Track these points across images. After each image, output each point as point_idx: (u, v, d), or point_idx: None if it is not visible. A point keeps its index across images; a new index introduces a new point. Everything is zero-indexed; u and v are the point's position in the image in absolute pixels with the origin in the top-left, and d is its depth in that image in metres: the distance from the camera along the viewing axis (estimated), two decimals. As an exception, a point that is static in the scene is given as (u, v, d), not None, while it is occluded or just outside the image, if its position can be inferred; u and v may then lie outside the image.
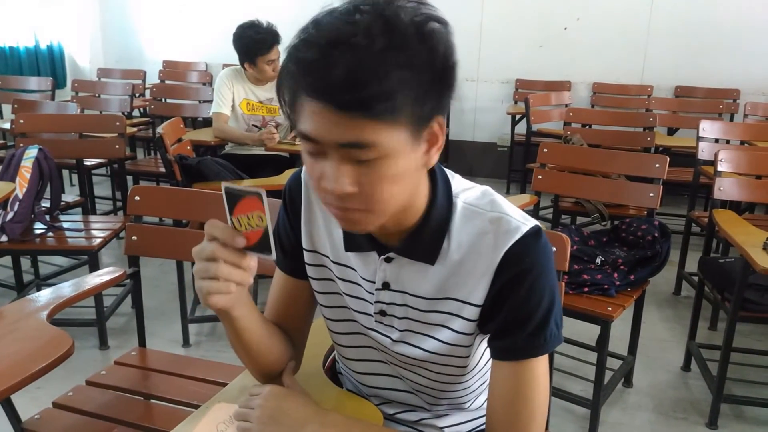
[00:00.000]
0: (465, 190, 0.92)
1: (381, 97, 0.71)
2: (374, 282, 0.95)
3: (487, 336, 0.94)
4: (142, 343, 1.76)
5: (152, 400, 1.55)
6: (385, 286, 0.94)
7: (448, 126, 5.22)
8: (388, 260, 0.93)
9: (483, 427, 1.06)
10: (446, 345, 0.94)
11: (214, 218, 0.85)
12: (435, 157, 0.84)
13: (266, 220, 0.77)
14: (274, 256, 0.81)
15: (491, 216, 0.88)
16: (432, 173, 0.90)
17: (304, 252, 1.00)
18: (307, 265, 1.01)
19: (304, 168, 0.95)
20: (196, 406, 1.06)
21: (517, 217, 0.88)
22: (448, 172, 0.94)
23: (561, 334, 0.90)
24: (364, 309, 0.98)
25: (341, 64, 0.70)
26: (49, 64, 5.99)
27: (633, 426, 2.22)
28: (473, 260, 0.88)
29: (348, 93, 0.70)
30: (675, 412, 2.30)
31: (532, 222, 0.88)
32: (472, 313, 0.90)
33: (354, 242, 0.94)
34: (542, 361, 0.89)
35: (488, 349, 0.94)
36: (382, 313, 0.97)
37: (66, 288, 1.51)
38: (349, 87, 0.70)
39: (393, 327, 0.97)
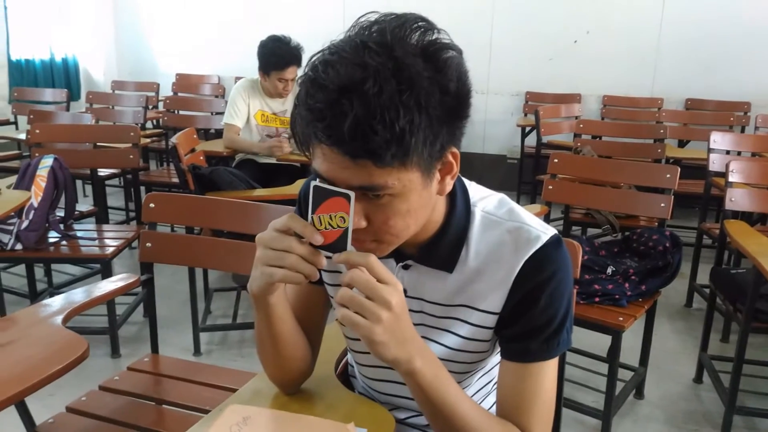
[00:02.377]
0: (482, 199, 0.94)
1: (390, 145, 0.71)
2: None
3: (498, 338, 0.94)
4: (154, 349, 1.78)
5: (164, 406, 1.56)
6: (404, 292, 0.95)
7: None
8: (406, 267, 0.94)
9: None
10: (457, 352, 0.95)
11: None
12: (450, 184, 0.84)
13: (349, 221, 0.77)
14: None
15: (510, 226, 0.90)
16: (454, 192, 0.91)
17: None
18: (322, 271, 1.01)
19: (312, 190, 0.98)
20: (208, 412, 1.07)
21: (536, 226, 0.89)
22: (465, 180, 0.95)
23: (570, 338, 0.92)
24: None
25: (350, 113, 0.70)
26: (63, 76, 6.09)
27: (645, 438, 2.21)
28: (491, 269, 0.89)
29: (357, 143, 0.71)
30: (687, 424, 2.28)
31: (552, 231, 0.89)
32: (488, 320, 0.92)
33: None
34: (552, 363, 0.91)
35: (497, 352, 0.95)
36: None
37: (80, 293, 1.53)
38: (358, 137, 0.70)
39: None
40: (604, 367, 2.18)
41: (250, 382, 1.12)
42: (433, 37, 0.76)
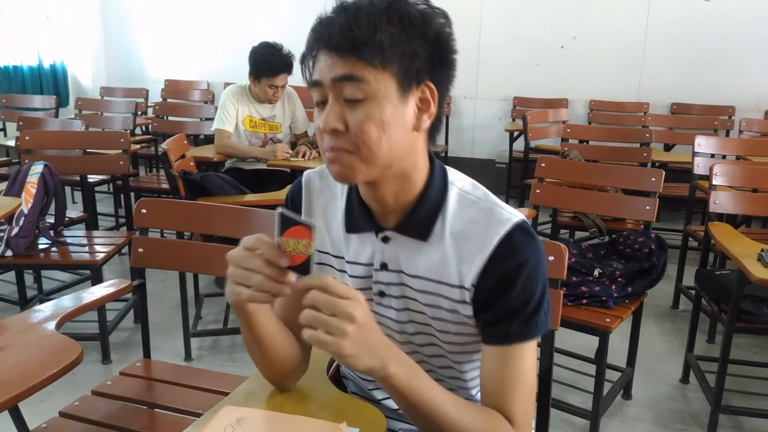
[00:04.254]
0: (459, 180, 1.01)
1: (370, 43, 0.84)
2: (372, 264, 1.00)
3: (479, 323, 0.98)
4: (146, 354, 1.79)
5: (157, 410, 1.57)
6: (383, 266, 1.00)
7: (447, 143, 5.31)
8: (386, 240, 0.99)
9: None
10: (440, 322, 0.99)
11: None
12: (426, 123, 0.92)
13: (312, 248, 0.83)
14: None
15: (484, 205, 0.96)
16: (431, 160, 0.98)
17: None
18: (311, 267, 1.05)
19: (304, 174, 1.09)
20: (200, 415, 1.08)
21: (507, 209, 0.96)
22: (446, 166, 1.01)
23: (548, 321, 0.97)
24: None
25: (343, 17, 0.85)
26: (52, 82, 6.06)
27: (632, 437, 2.24)
28: (465, 245, 0.95)
29: (341, 36, 0.84)
30: (674, 424, 2.31)
31: (521, 215, 0.95)
32: (464, 295, 0.96)
33: (354, 223, 1.01)
34: (531, 345, 0.96)
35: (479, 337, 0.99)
36: (381, 294, 1.02)
37: (73, 299, 1.53)
38: (344, 32, 0.84)
39: (392, 308, 1.02)
40: (592, 369, 2.21)
41: (243, 384, 1.13)
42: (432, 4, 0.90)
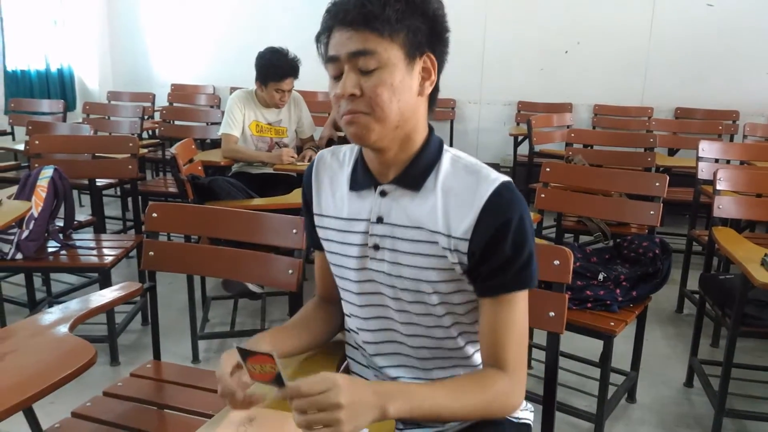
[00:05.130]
0: (455, 150, 1.14)
1: (381, 16, 0.97)
2: (370, 220, 1.12)
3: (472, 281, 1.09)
4: (156, 356, 1.81)
5: (167, 411, 1.59)
6: (379, 219, 1.11)
7: (451, 145, 5.30)
8: (383, 194, 1.11)
9: None
10: (428, 271, 1.08)
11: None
12: (428, 89, 1.07)
13: (278, 368, 0.91)
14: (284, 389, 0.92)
15: (473, 168, 1.09)
16: (430, 130, 1.12)
17: (315, 217, 1.21)
18: (318, 229, 1.21)
19: (318, 152, 1.27)
20: (211, 416, 1.11)
21: (494, 172, 1.08)
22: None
23: (537, 277, 1.08)
24: (358, 252, 1.14)
25: None
26: (59, 86, 6.11)
27: (637, 441, 2.25)
28: (454, 199, 1.06)
29: (356, 11, 0.98)
30: (678, 427, 2.33)
31: (506, 177, 1.07)
32: (451, 243, 1.06)
33: (357, 182, 1.14)
34: (523, 295, 1.08)
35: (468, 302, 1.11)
36: (376, 246, 1.12)
37: (84, 301, 1.56)
38: (358, 7, 0.98)
39: (385, 261, 1.11)
40: (596, 372, 2.22)
41: (254, 385, 1.15)
42: None
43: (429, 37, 1.03)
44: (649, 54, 5.11)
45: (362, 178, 1.13)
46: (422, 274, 1.08)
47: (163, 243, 1.78)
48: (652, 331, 3.02)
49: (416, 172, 1.09)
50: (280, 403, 1.09)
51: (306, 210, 1.24)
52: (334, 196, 1.18)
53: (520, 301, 1.07)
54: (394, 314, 1.14)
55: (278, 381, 0.92)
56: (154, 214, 1.73)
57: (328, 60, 1.03)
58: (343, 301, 1.23)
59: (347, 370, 1.30)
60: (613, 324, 2.07)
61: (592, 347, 2.25)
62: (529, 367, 2.52)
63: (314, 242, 1.26)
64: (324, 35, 1.04)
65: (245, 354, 0.95)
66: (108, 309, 1.61)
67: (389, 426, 1.05)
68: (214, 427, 1.03)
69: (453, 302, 1.11)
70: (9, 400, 1.12)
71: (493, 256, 1.03)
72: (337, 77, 1.03)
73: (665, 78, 5.11)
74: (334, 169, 1.20)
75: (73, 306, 1.51)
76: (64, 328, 1.39)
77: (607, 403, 2.19)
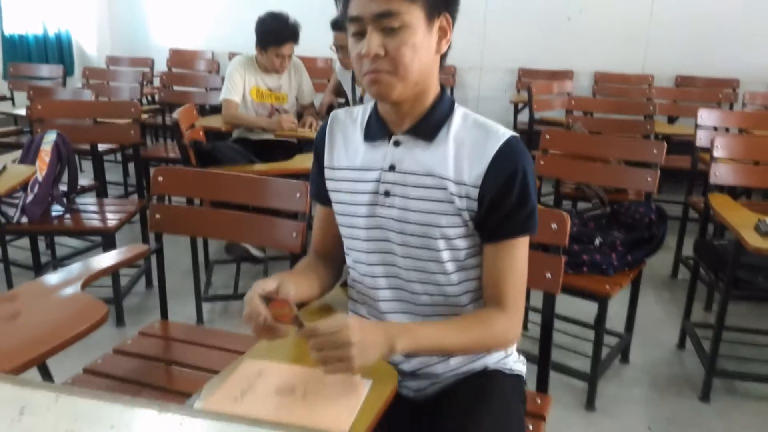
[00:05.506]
0: (465, 108, 1.20)
1: None
2: (382, 168, 1.17)
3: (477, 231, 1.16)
4: (164, 315, 1.86)
5: (175, 367, 1.65)
6: (391, 167, 1.17)
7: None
8: (397, 144, 1.17)
9: None
10: (436, 215, 1.14)
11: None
12: (444, 47, 1.13)
13: (295, 310, 1.04)
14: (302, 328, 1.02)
15: (482, 123, 1.16)
16: (442, 88, 1.18)
17: (326, 170, 1.25)
18: (328, 182, 1.25)
19: (333, 111, 1.30)
20: (217, 372, 1.15)
21: (503, 127, 1.15)
22: None
23: (537, 226, 1.16)
24: (368, 200, 1.19)
25: None
26: (57, 51, 6.08)
27: (629, 399, 2.32)
28: (464, 149, 1.13)
29: None
30: (669, 387, 2.40)
31: (514, 132, 1.14)
32: (461, 190, 1.12)
33: (372, 133, 1.20)
34: (525, 240, 1.16)
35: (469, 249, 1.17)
36: (387, 193, 1.17)
37: (95, 261, 1.60)
38: None
39: (394, 207, 1.17)
40: (591, 335, 2.28)
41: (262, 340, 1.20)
42: None
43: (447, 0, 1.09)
44: (651, 22, 5.08)
45: (376, 129, 1.19)
46: (431, 219, 1.14)
47: (169, 206, 1.81)
48: (647, 296, 3.08)
49: (430, 124, 1.15)
50: (290, 358, 1.15)
51: (317, 164, 1.29)
52: (347, 149, 1.23)
53: (521, 246, 1.15)
54: (399, 260, 1.19)
55: (297, 322, 1.03)
56: (160, 178, 1.76)
57: (350, 19, 1.07)
58: (348, 250, 1.26)
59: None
60: (608, 287, 2.12)
61: (588, 311, 2.31)
62: (525, 329, 2.59)
63: (319, 195, 1.30)
64: None
65: (266, 299, 1.06)
66: (118, 269, 1.65)
67: (392, 376, 1.10)
68: (225, 379, 1.08)
69: (458, 247, 1.16)
70: (27, 354, 1.17)
71: (501, 203, 1.11)
72: (358, 35, 1.08)
73: (666, 46, 5.09)
74: (347, 125, 1.25)
75: (82, 267, 1.55)
76: (75, 288, 1.43)
77: (601, 363, 2.25)
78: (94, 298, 1.38)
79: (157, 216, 1.75)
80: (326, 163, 1.26)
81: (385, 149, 1.18)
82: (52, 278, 1.50)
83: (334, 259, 1.34)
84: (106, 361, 1.62)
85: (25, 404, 0.84)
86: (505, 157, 1.10)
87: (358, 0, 1.06)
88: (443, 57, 1.16)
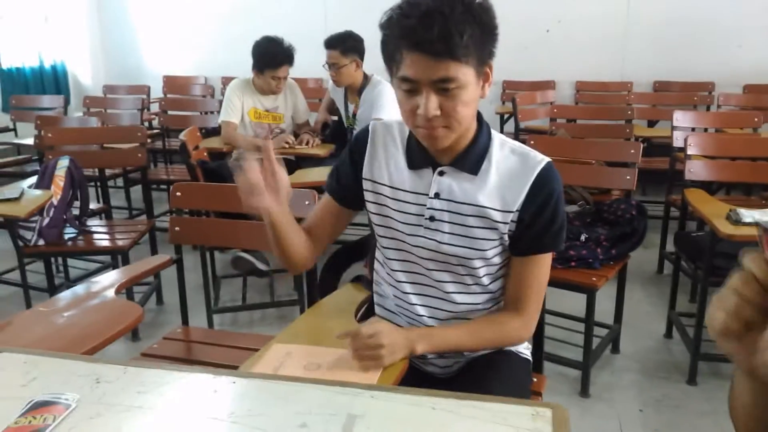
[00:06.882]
0: (500, 135, 1.33)
1: (463, 48, 1.09)
2: (427, 194, 1.28)
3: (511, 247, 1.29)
4: (185, 321, 2.00)
5: (198, 366, 1.79)
6: (437, 195, 1.28)
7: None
8: (441, 174, 1.28)
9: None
10: (478, 240, 1.26)
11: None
12: (487, 90, 1.22)
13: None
14: None
15: (521, 150, 1.28)
16: (479, 116, 1.28)
17: (363, 181, 1.34)
18: (365, 192, 1.35)
19: (371, 123, 1.38)
20: (236, 368, 1.28)
21: (538, 153, 1.27)
22: None
23: (563, 243, 1.30)
24: (412, 221, 1.30)
25: (435, 26, 1.07)
26: (53, 82, 6.22)
27: (621, 385, 2.47)
28: (507, 178, 1.25)
29: (441, 45, 1.08)
30: (658, 372, 2.55)
31: (548, 158, 1.26)
32: (506, 217, 1.24)
33: (415, 161, 1.30)
34: (549, 257, 1.31)
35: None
36: (432, 218, 1.28)
37: (124, 271, 1.75)
38: (441, 41, 1.08)
39: (439, 231, 1.27)
40: (582, 328, 2.42)
41: (289, 326, 1.35)
42: None
43: (490, 49, 1.18)
44: (628, 30, 5.29)
45: (420, 158, 1.28)
46: (474, 244, 1.27)
47: (187, 219, 1.97)
48: (635, 291, 3.24)
49: (472, 157, 1.26)
50: (313, 341, 1.30)
51: (352, 170, 1.35)
52: (388, 167, 1.32)
53: (546, 260, 1.30)
54: (435, 274, 1.33)
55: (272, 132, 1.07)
56: (178, 194, 1.92)
57: (405, 80, 1.14)
58: (384, 250, 1.38)
59: (370, 309, 1.50)
60: (595, 279, 2.28)
61: (578, 306, 2.46)
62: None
63: (341, 196, 1.38)
64: (397, 52, 1.13)
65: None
66: (147, 276, 1.79)
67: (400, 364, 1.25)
68: (257, 361, 1.22)
69: (494, 263, 1.32)
70: (81, 348, 1.31)
71: (535, 223, 1.24)
72: (410, 91, 1.15)
73: (644, 53, 5.29)
74: (388, 142, 1.34)
75: (116, 275, 1.69)
76: (110, 293, 1.57)
77: (593, 352, 2.40)
78: (128, 301, 1.53)
79: (177, 228, 1.90)
80: (365, 173, 1.34)
81: (430, 177, 1.28)
82: (84, 287, 1.63)
83: (317, 242, 1.40)
84: (136, 363, 1.75)
85: (100, 376, 0.99)
86: (543, 182, 1.23)
87: (416, 63, 1.11)
88: None
